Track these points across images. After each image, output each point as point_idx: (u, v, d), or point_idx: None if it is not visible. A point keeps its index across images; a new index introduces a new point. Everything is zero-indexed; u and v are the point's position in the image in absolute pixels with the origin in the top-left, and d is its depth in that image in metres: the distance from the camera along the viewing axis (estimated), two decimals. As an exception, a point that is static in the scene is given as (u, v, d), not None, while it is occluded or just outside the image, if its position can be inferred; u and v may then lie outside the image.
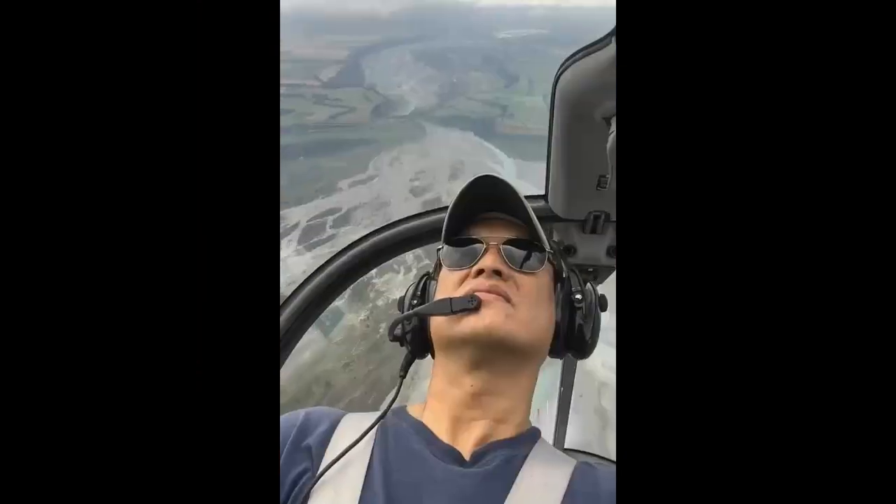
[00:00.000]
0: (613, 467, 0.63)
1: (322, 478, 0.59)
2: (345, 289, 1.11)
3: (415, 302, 0.75)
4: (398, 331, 0.73)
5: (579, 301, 0.71)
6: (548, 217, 1.05)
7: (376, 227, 1.11)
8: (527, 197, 1.07)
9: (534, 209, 1.06)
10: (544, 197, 1.04)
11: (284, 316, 1.07)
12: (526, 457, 0.62)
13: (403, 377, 0.73)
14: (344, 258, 1.10)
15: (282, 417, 0.67)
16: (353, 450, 0.61)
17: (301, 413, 0.68)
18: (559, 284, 0.73)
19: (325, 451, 0.62)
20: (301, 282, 1.09)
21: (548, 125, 0.82)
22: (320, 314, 1.10)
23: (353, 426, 0.65)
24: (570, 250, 1.13)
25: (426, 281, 0.77)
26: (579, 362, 1.54)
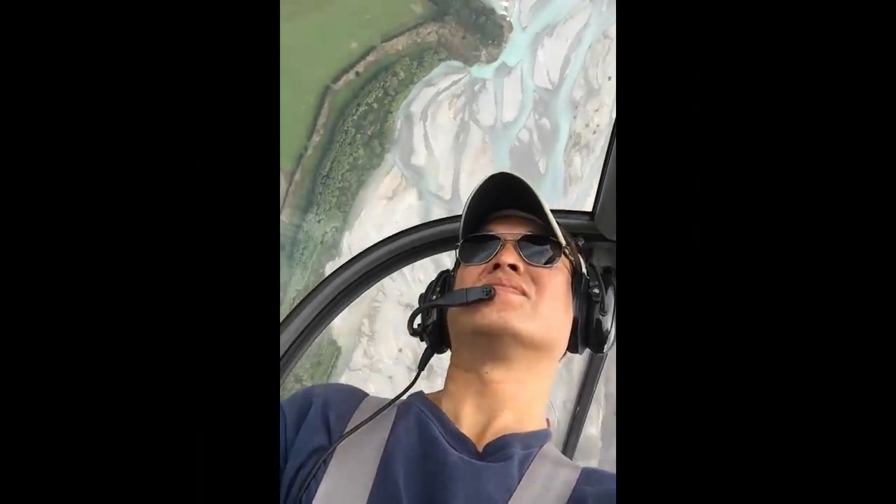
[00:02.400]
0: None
1: (339, 453, 0.62)
2: (362, 292, 1.11)
3: (434, 297, 0.77)
4: (417, 324, 0.75)
5: (597, 295, 0.72)
6: (592, 236, 1.03)
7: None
8: (572, 213, 1.06)
9: (579, 227, 1.04)
10: (591, 215, 1.02)
11: (295, 323, 1.08)
12: (536, 455, 0.64)
13: (420, 370, 0.75)
14: (363, 262, 1.10)
15: (304, 390, 0.70)
16: (371, 428, 0.64)
17: (325, 389, 0.71)
18: (577, 279, 0.73)
19: (344, 429, 0.65)
20: (317, 285, 1.10)
21: (607, 145, 0.81)
22: (333, 318, 1.11)
23: (375, 408, 0.67)
24: (609, 272, 1.10)
25: (446, 277, 0.79)
26: (602, 386, 1.50)
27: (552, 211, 1.08)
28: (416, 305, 0.75)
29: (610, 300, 0.73)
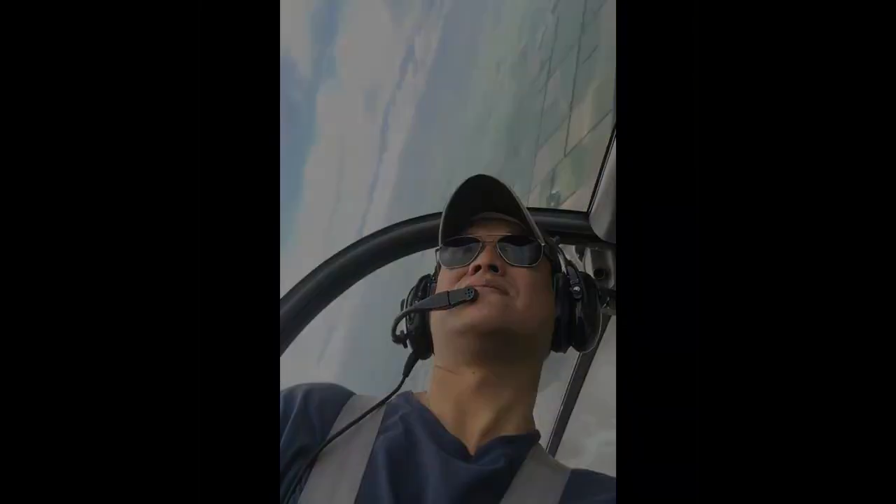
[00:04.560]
0: (606, 476, 0.62)
1: (325, 455, 0.60)
2: (338, 294, 1.08)
3: (415, 303, 0.76)
4: (400, 331, 0.74)
5: (578, 293, 0.72)
6: (586, 236, 1.02)
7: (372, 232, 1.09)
8: (567, 212, 1.05)
9: (573, 227, 1.04)
10: (586, 215, 1.02)
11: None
12: (526, 457, 0.63)
13: (406, 376, 0.74)
14: (340, 262, 1.07)
15: (288, 389, 0.68)
16: (358, 430, 0.63)
17: (309, 387, 0.69)
18: (557, 278, 0.73)
19: (329, 429, 0.63)
20: (296, 283, 1.06)
21: (606, 144, 0.80)
22: (312, 319, 1.07)
23: (361, 408, 0.65)
24: (600, 273, 1.10)
25: (426, 282, 0.78)
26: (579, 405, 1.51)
27: (549, 210, 1.08)
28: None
29: (593, 298, 0.73)
